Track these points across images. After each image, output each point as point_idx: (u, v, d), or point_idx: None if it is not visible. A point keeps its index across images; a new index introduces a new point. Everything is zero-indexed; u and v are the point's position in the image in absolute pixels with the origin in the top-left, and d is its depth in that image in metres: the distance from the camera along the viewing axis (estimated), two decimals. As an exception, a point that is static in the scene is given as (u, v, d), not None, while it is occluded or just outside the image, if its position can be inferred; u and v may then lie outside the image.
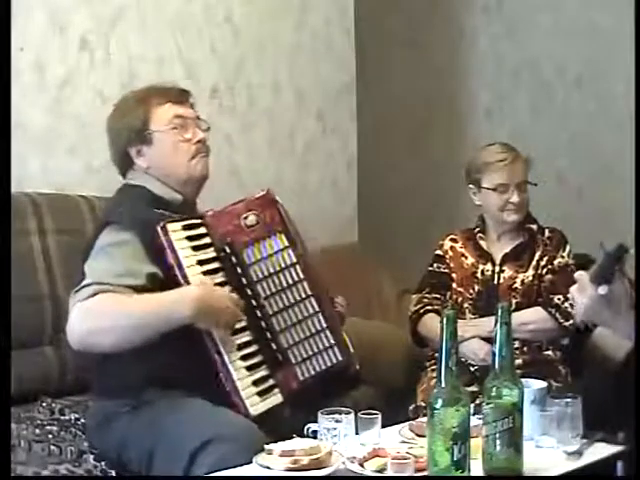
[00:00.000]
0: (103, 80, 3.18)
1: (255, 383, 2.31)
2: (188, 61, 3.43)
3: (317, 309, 2.45)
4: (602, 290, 1.89)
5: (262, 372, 2.34)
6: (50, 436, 2.41)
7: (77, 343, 2.23)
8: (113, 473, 2.31)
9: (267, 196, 2.47)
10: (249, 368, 2.31)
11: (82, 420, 2.49)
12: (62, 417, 2.52)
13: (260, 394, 2.30)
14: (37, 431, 2.42)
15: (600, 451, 2.12)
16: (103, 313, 2.20)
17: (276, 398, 2.34)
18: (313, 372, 2.41)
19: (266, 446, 2.02)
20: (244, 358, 2.31)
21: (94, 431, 2.39)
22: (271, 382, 2.34)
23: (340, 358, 2.46)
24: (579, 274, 1.94)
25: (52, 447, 2.36)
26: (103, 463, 2.32)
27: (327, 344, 2.45)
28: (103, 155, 3.03)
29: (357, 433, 2.14)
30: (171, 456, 2.17)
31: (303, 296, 2.44)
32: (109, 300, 2.19)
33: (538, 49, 3.71)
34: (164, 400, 2.26)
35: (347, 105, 4.06)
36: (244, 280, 2.36)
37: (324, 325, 2.45)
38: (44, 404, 2.57)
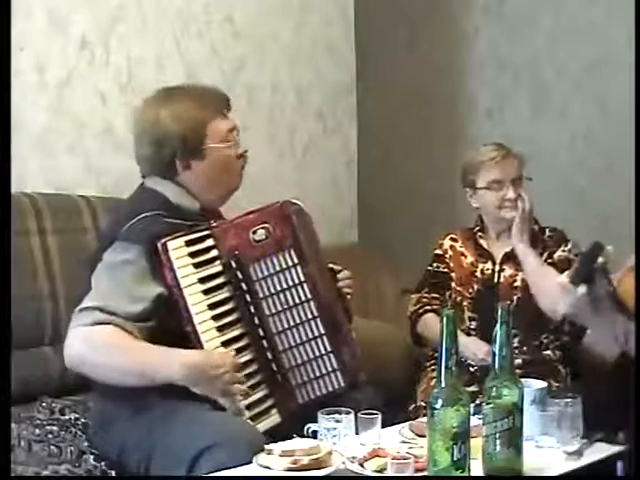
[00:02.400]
0: (103, 80, 3.18)
1: (248, 407, 2.26)
2: (188, 61, 3.43)
3: (322, 331, 2.36)
4: (581, 289, 1.91)
5: (259, 394, 2.29)
6: (50, 436, 2.41)
7: (69, 364, 2.24)
8: (113, 473, 2.31)
9: (280, 209, 2.37)
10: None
11: (82, 420, 2.49)
12: (62, 417, 2.51)
13: (253, 418, 2.26)
14: (37, 431, 2.42)
15: (600, 451, 2.12)
16: (102, 349, 2.18)
17: (273, 419, 2.30)
18: (313, 396, 2.36)
19: (266, 446, 2.02)
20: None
21: (95, 432, 2.39)
22: (269, 403, 2.30)
23: (342, 384, 2.38)
24: (559, 278, 1.97)
25: (52, 447, 2.36)
26: (103, 463, 2.32)
27: (330, 368, 2.37)
28: (103, 155, 3.04)
29: (357, 433, 2.14)
30: (170, 461, 2.15)
31: (309, 317, 2.35)
32: (112, 338, 2.17)
33: (538, 49, 3.71)
34: (163, 404, 2.24)
35: (347, 105, 4.06)
36: (248, 296, 2.30)
37: (328, 349, 2.36)
38: (44, 404, 2.57)
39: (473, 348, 2.86)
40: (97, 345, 2.18)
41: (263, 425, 2.27)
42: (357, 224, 4.14)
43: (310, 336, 2.36)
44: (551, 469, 2.04)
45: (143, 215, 2.29)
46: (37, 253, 2.72)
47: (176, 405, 2.23)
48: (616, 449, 2.11)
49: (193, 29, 3.45)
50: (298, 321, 2.35)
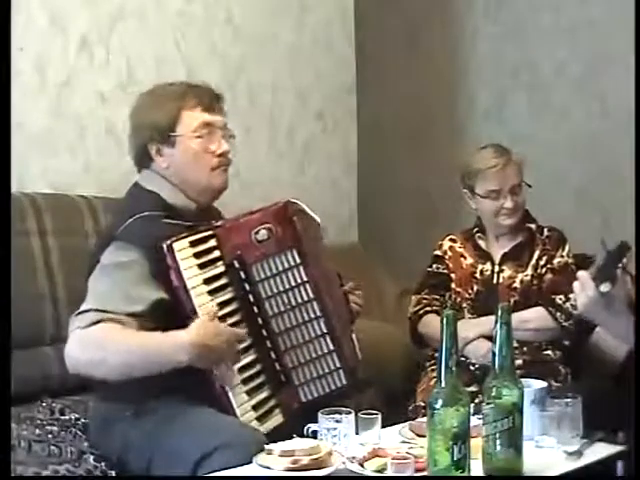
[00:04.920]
0: (103, 80, 3.18)
1: (255, 407, 2.26)
2: (188, 61, 3.43)
3: (325, 331, 2.35)
4: (604, 287, 1.90)
5: (263, 394, 2.29)
6: (50, 436, 2.41)
7: (73, 369, 2.21)
8: (113, 473, 2.30)
9: (282, 209, 2.34)
10: (249, 392, 2.26)
11: (82, 420, 2.48)
12: (62, 417, 2.51)
13: (259, 418, 2.25)
14: (37, 431, 2.42)
15: (600, 451, 2.12)
16: (100, 345, 2.15)
17: (276, 419, 2.30)
18: (316, 395, 2.35)
19: (266, 446, 2.02)
20: (245, 381, 2.26)
21: (95, 432, 2.39)
22: (272, 403, 2.30)
23: (345, 382, 2.37)
24: (581, 272, 1.96)
25: (52, 447, 2.35)
26: (103, 463, 2.31)
27: (333, 367, 2.36)
28: (103, 155, 3.04)
29: (357, 433, 2.14)
30: (172, 465, 2.14)
31: (312, 316, 2.33)
32: (108, 332, 2.15)
33: (538, 49, 3.71)
34: (165, 407, 2.23)
35: (347, 105, 4.06)
36: (251, 297, 2.29)
37: (331, 347, 2.35)
38: (44, 404, 2.56)
39: (477, 347, 2.86)
40: (96, 343, 2.16)
41: (267, 426, 2.26)
42: (357, 224, 4.14)
43: (313, 335, 2.35)
44: (551, 469, 2.03)
45: (140, 215, 2.27)
46: (37, 253, 2.72)
47: (178, 408, 2.22)
48: (616, 449, 2.11)
49: (193, 29, 3.45)
50: (301, 321, 2.34)
